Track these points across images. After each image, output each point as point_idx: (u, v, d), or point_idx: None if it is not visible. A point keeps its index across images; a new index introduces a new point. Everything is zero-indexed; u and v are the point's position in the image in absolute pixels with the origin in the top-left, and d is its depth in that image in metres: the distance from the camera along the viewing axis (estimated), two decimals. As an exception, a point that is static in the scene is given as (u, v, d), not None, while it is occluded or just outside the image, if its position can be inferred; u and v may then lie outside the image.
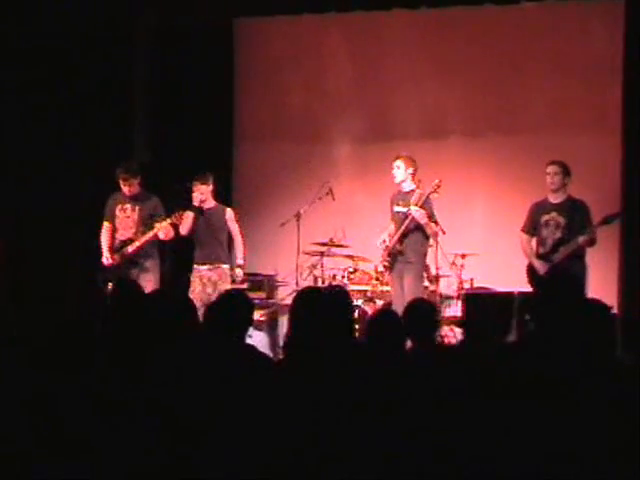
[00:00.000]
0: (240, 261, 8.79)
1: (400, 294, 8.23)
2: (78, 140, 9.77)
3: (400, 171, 8.45)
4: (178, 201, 8.80)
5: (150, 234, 8.32)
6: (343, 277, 9.35)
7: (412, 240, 8.30)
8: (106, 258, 8.39)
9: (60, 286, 9.30)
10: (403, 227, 8.31)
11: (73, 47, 9.68)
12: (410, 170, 8.45)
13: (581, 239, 7.48)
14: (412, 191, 8.41)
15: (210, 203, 8.77)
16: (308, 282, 9.24)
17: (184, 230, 8.52)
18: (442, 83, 10.61)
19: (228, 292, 5.04)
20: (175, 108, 10.90)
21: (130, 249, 8.35)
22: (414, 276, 8.28)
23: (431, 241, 8.42)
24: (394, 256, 8.36)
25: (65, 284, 9.39)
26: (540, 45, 10.32)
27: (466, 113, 10.58)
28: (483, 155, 10.50)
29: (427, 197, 8.31)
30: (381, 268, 8.90)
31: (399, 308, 7.63)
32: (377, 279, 9.27)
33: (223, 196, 11.23)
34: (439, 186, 8.39)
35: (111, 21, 10.04)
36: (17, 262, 9.04)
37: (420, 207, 8.23)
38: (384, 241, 8.45)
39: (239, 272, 8.77)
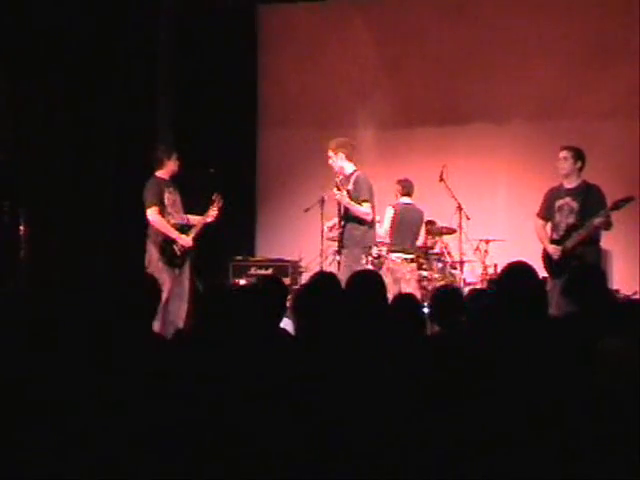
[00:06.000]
0: None
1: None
2: (102, 126, 9.81)
3: (332, 160, 8.24)
4: (202, 187, 8.81)
5: (208, 219, 8.29)
6: (367, 262, 9.35)
7: (348, 224, 8.21)
8: (186, 242, 8.08)
9: (85, 272, 9.35)
10: (337, 211, 8.30)
11: (96, 33, 9.70)
12: (341, 155, 8.21)
13: (597, 221, 7.38)
14: (352, 174, 8.30)
15: None
16: (332, 268, 9.25)
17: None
18: (465, 69, 10.61)
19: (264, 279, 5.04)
20: (199, 94, 10.94)
21: (194, 234, 8.17)
22: (344, 261, 8.14)
23: (360, 225, 8.13)
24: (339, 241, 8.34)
25: (91, 272, 9.43)
26: (560, 31, 10.32)
27: (490, 99, 10.58)
28: (506, 141, 10.51)
29: (357, 178, 8.16)
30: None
31: None
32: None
33: (247, 182, 11.33)
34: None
35: (135, 7, 10.08)
36: (42, 250, 9.09)
37: (352, 188, 8.14)
38: (333, 226, 8.40)
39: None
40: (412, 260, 9.01)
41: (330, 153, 8.27)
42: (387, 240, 9.17)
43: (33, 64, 9.29)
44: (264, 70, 11.38)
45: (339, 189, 8.16)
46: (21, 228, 8.78)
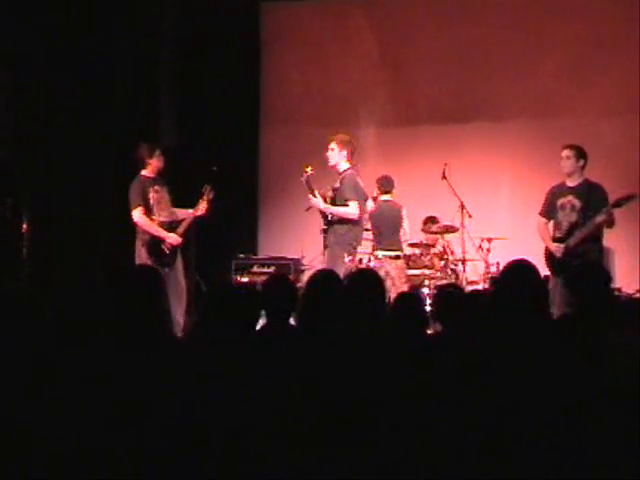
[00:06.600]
0: None
1: None
2: (104, 122, 9.79)
3: (334, 153, 8.34)
4: (205, 184, 8.79)
5: (198, 212, 8.25)
6: (369, 261, 9.34)
7: (333, 224, 8.23)
8: (174, 240, 8.05)
9: (84, 267, 9.34)
10: (319, 211, 8.33)
11: (97, 33, 9.69)
12: (344, 152, 8.30)
13: (598, 218, 7.37)
14: (343, 172, 8.31)
15: None
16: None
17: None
18: (467, 67, 10.61)
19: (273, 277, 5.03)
20: (202, 91, 10.94)
21: (182, 229, 8.16)
22: (327, 259, 8.18)
23: (344, 224, 8.15)
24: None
25: (90, 265, 9.42)
26: (562, 29, 10.34)
27: (492, 97, 10.58)
28: (508, 139, 10.50)
29: (343, 178, 8.22)
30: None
31: None
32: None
33: (249, 180, 11.33)
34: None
35: (136, 6, 10.07)
36: (43, 248, 9.08)
37: (338, 188, 8.16)
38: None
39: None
40: (397, 257, 8.96)
41: (333, 145, 8.30)
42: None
43: (34, 63, 9.29)
44: (267, 68, 11.37)
45: (312, 193, 8.25)
46: (23, 226, 8.78)
